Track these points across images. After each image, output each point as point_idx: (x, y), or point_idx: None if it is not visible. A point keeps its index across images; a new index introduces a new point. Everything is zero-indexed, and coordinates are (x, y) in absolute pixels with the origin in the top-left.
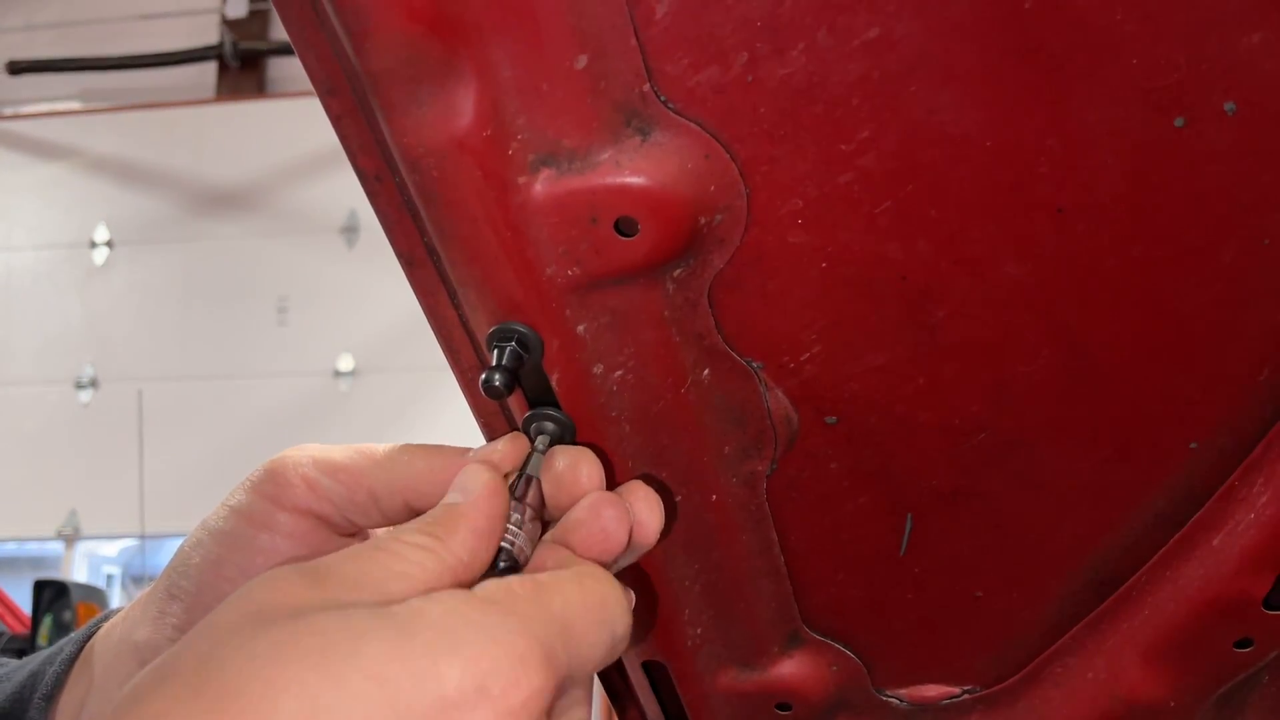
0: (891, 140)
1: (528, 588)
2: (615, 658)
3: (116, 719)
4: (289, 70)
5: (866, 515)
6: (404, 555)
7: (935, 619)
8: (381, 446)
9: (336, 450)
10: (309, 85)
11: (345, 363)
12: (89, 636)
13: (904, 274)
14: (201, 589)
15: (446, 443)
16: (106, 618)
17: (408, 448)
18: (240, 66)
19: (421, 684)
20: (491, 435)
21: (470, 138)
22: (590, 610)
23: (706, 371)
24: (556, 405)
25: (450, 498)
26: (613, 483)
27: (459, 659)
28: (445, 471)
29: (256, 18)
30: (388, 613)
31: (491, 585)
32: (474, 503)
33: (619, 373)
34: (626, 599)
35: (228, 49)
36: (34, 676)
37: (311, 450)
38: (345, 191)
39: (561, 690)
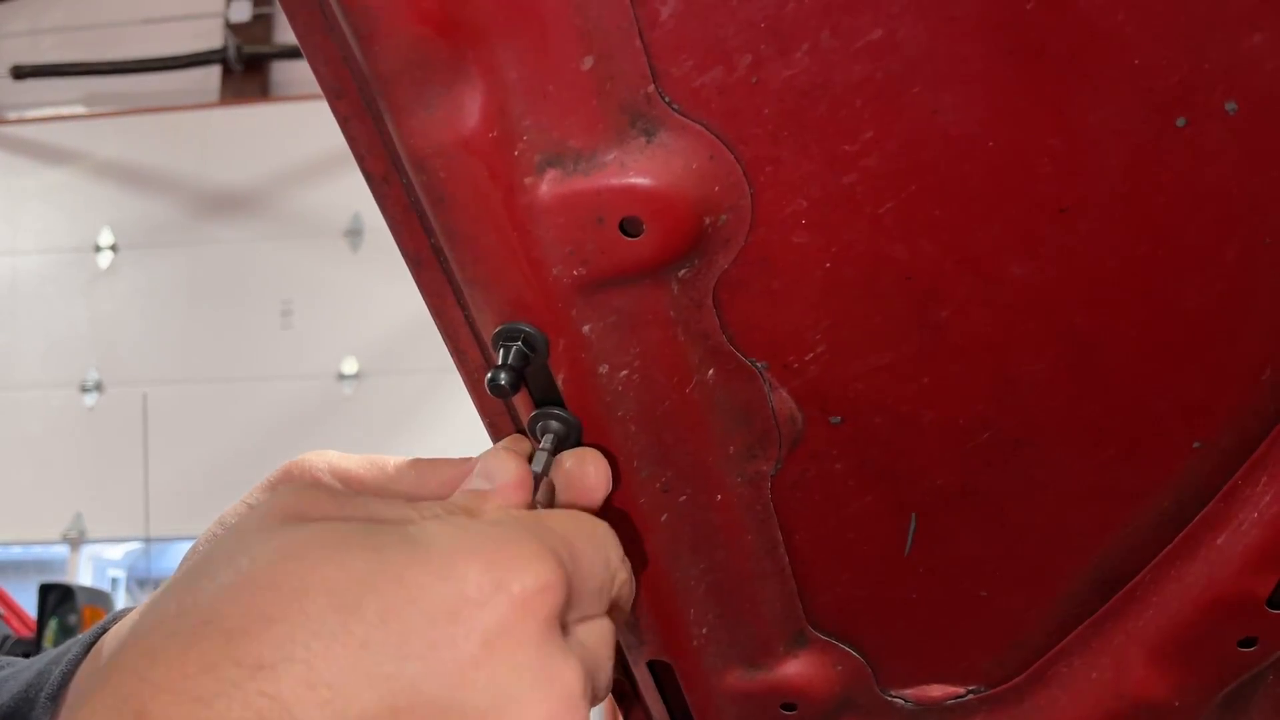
0: (895, 141)
1: (528, 514)
2: (612, 590)
3: (151, 600)
4: (293, 74)
5: (871, 515)
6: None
7: (940, 619)
8: (393, 459)
9: (352, 460)
10: (313, 88)
11: (349, 365)
12: (97, 637)
13: (908, 274)
14: None
15: (450, 445)
16: (116, 618)
17: (418, 462)
18: (244, 70)
19: (442, 584)
20: (498, 435)
21: (477, 139)
22: (584, 536)
23: (711, 371)
24: (562, 405)
25: (475, 483)
26: (616, 482)
27: (476, 560)
28: (455, 484)
29: (260, 21)
30: (404, 531)
31: (495, 511)
32: (502, 490)
33: (624, 372)
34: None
35: (231, 53)
36: (40, 675)
37: (329, 456)
38: (349, 195)
39: (571, 603)
